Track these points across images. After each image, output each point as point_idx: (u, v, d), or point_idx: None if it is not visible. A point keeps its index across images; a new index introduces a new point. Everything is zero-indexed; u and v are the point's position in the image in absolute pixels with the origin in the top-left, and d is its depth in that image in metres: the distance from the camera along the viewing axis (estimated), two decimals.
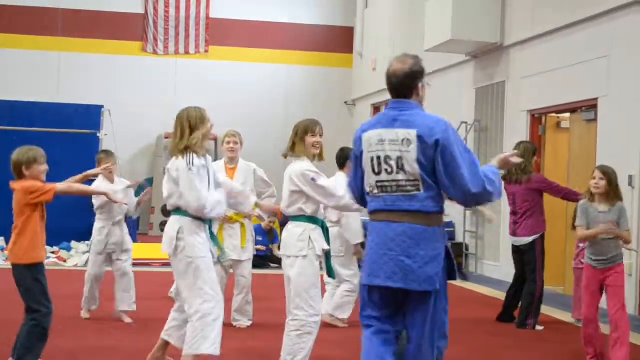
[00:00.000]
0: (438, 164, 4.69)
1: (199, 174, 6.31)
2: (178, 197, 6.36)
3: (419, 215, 4.72)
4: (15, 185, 6.40)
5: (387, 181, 4.81)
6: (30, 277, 6.36)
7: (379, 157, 4.84)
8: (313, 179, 6.46)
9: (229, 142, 8.90)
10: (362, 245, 8.48)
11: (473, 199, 4.81)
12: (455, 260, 4.87)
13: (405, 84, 4.86)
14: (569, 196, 9.51)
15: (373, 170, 4.87)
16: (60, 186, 6.49)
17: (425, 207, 4.72)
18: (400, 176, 4.76)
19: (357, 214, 8.56)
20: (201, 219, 6.42)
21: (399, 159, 4.75)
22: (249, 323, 8.97)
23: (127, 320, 9.01)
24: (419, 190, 4.72)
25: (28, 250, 6.37)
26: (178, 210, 6.42)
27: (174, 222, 6.42)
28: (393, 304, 4.86)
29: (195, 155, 6.32)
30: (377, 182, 4.86)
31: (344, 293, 9.06)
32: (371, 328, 4.91)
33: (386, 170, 4.81)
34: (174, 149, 6.41)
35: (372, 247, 4.88)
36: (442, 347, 4.75)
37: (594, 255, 7.22)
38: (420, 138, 4.70)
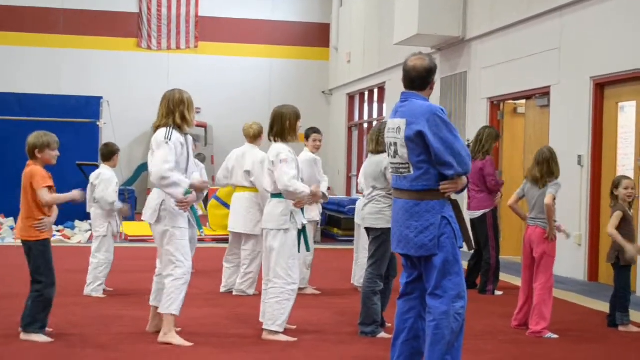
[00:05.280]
0: (428, 143, 4.76)
1: (173, 149, 6.20)
2: None
3: (411, 193, 4.86)
4: (26, 168, 6.34)
5: (392, 164, 5.01)
6: (38, 251, 6.32)
7: (389, 143, 5.01)
8: (281, 161, 6.42)
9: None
10: None
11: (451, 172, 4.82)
12: (459, 230, 4.88)
13: (423, 78, 4.98)
14: (491, 192, 9.43)
15: (389, 154, 5.04)
16: (46, 197, 6.22)
17: (414, 186, 4.85)
18: (397, 160, 4.94)
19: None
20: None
21: (395, 145, 4.93)
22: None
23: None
24: (409, 172, 4.86)
25: (35, 228, 6.32)
26: None
27: (157, 195, 6.36)
28: (415, 268, 5.01)
29: (175, 132, 6.26)
30: (391, 164, 5.05)
31: None
32: (402, 295, 5.09)
33: (392, 155, 4.98)
34: (158, 125, 6.34)
35: (392, 220, 5.08)
36: (458, 306, 4.81)
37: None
38: (408, 126, 4.81)
